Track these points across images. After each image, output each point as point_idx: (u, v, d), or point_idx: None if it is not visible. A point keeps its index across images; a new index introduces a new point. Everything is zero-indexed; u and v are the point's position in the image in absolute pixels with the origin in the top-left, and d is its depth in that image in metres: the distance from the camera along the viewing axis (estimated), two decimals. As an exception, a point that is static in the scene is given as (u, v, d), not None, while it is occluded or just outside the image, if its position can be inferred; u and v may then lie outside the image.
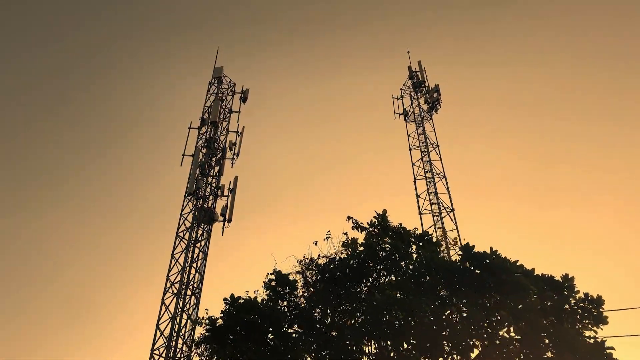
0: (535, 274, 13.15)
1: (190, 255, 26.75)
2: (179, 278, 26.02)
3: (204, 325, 13.41)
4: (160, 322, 25.09)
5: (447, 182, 34.15)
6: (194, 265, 26.69)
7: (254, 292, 13.96)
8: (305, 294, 13.81)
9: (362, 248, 13.91)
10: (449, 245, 13.55)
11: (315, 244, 14.24)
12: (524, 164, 60.31)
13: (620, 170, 57.25)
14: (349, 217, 14.12)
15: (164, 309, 25.39)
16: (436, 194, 33.69)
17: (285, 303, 13.44)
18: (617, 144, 57.58)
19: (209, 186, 28.77)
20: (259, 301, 13.49)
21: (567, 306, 12.58)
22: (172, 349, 24.51)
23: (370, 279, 13.81)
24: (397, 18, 72.78)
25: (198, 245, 27.15)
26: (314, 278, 14.20)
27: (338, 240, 14.54)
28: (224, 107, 31.39)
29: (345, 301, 13.73)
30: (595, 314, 12.45)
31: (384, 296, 11.77)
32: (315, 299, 13.69)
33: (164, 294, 25.88)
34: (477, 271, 12.26)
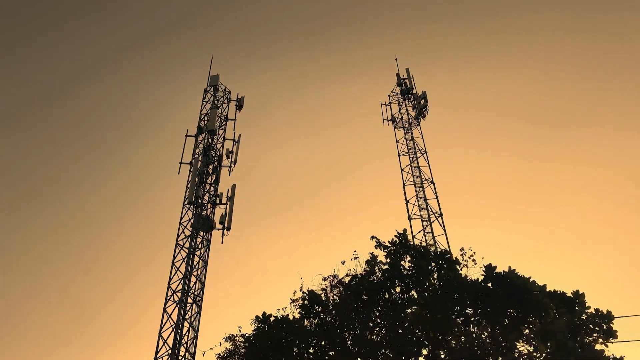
0: (547, 290, 14.11)
1: (190, 264, 27.11)
2: (180, 286, 26.37)
3: (237, 341, 14.01)
4: (162, 330, 25.42)
5: (435, 188, 35.25)
6: (194, 273, 27.07)
7: (282, 308, 14.63)
8: (333, 310, 14.47)
9: (386, 267, 14.63)
10: (465, 263, 14.41)
11: (343, 264, 14.94)
12: (509, 168, 62.48)
13: (600, 169, 59.89)
14: (372, 237, 14.84)
15: (166, 317, 25.72)
16: (425, 199, 34.75)
17: (316, 321, 14.08)
18: (597, 144, 60.24)
19: (207, 194, 29.14)
20: (289, 318, 14.12)
21: (578, 321, 13.55)
22: (176, 357, 24.88)
23: (393, 296, 14.54)
24: (386, 25, 74.47)
25: (198, 253, 27.50)
26: (338, 295, 14.87)
27: (356, 260, 15.30)
28: (219, 114, 31.72)
29: (367, 316, 14.48)
30: (605, 328, 13.43)
31: (415, 314, 12.51)
32: (340, 316, 14.35)
33: (166, 302, 26.20)
34: (499, 290, 13.11)
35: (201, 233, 28.11)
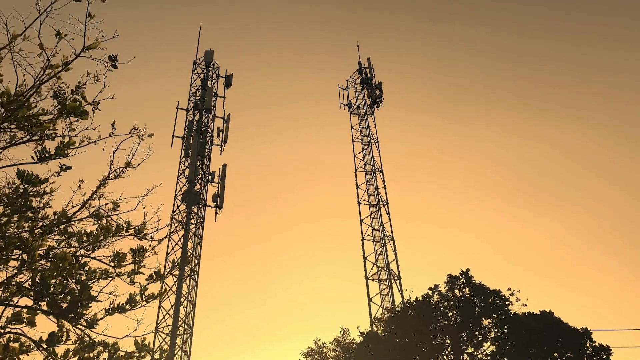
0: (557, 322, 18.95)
1: (185, 238, 28.49)
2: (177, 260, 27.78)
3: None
4: (162, 302, 26.97)
5: (383, 177, 39.24)
6: (189, 247, 28.56)
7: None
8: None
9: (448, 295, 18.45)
10: (511, 301, 18.67)
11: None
12: (449, 162, 69.83)
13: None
14: (449, 275, 18.54)
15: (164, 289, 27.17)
16: (376, 188, 38.67)
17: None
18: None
19: (200, 171, 30.19)
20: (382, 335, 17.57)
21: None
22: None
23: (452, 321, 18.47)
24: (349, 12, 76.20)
25: (192, 228, 28.90)
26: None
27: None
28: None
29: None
30: (604, 358, 18.63)
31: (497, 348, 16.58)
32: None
33: (164, 275, 27.51)
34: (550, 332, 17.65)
35: (194, 209, 29.39)
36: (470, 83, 75.59)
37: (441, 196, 69.71)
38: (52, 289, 4.91)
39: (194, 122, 30.77)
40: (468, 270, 19.16)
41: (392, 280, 34.77)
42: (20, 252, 5.15)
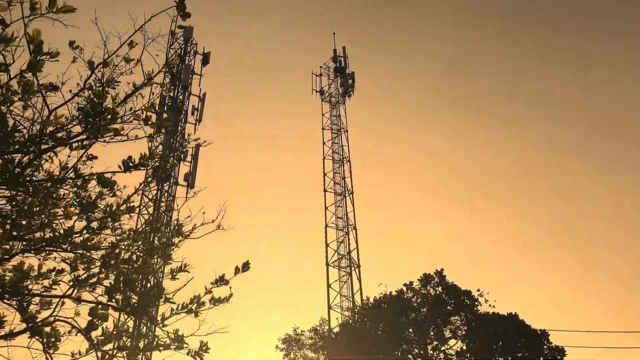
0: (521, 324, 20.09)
1: (157, 215, 28.27)
2: (145, 238, 27.61)
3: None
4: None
5: (350, 167, 39.81)
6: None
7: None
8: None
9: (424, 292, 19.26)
10: (480, 302, 19.62)
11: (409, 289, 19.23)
12: (418, 159, 70.82)
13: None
14: (424, 274, 19.32)
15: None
16: (343, 177, 39.23)
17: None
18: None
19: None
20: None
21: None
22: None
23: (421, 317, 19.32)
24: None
25: (163, 205, 28.69)
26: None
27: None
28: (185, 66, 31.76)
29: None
30: (559, 358, 19.89)
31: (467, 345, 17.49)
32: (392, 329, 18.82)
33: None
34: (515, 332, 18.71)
35: (165, 187, 29.18)
36: (447, 82, 77.04)
37: (407, 191, 71.12)
38: (137, 290, 5.13)
39: (168, 98, 30.37)
40: (442, 270, 20.09)
41: (352, 268, 35.63)
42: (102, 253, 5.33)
